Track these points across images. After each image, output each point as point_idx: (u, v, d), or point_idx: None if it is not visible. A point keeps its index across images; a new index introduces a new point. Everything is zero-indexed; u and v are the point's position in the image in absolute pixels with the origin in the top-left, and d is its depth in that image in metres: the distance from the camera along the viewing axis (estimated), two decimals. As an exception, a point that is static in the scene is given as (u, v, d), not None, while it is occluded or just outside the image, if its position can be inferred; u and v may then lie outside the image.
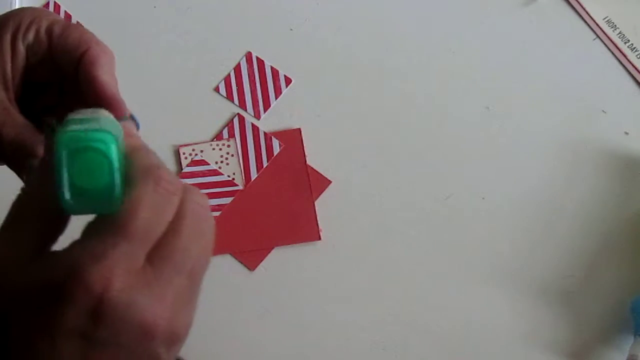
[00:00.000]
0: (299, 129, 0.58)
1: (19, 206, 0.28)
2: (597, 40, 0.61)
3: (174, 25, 0.62)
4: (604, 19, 0.61)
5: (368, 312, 0.53)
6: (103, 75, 0.38)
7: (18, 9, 0.39)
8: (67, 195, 0.27)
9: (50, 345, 0.26)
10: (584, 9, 0.61)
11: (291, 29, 0.62)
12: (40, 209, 0.28)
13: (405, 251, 0.55)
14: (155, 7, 0.63)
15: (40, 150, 0.37)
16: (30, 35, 0.38)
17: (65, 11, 0.63)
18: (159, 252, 0.27)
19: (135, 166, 0.28)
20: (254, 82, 0.60)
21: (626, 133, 0.58)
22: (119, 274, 0.25)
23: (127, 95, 0.61)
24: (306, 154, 0.57)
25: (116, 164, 0.28)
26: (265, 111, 0.59)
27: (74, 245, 0.27)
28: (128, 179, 0.28)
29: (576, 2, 0.62)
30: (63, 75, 0.39)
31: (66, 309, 0.25)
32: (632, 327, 0.51)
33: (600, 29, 0.61)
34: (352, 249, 0.55)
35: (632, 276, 0.54)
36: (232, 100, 0.59)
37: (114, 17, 0.63)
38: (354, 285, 0.54)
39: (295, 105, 0.59)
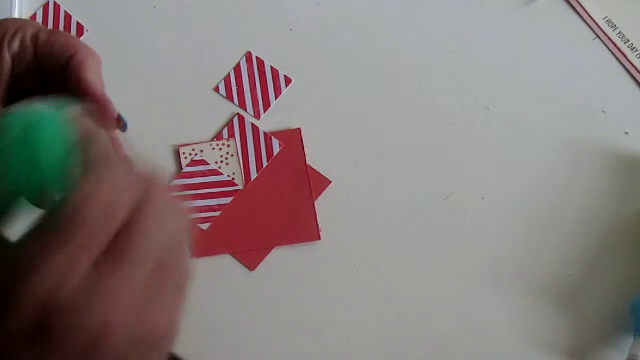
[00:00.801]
0: (299, 129, 0.58)
1: None
2: (597, 40, 0.61)
3: (174, 25, 0.62)
4: (604, 19, 0.61)
5: (368, 312, 0.53)
6: (91, 77, 0.38)
7: (2, 19, 0.39)
8: (11, 180, 0.25)
9: None
10: (584, 9, 0.61)
11: (291, 29, 0.62)
12: None
13: (405, 251, 0.55)
14: (155, 7, 0.63)
15: None
16: (16, 44, 0.37)
17: (66, 11, 0.63)
18: (114, 247, 0.25)
19: (86, 154, 0.26)
20: (254, 82, 0.60)
21: (626, 133, 0.58)
22: (65, 278, 0.23)
23: (127, 96, 0.62)
24: (306, 154, 0.57)
25: (63, 149, 0.25)
26: (265, 111, 0.59)
27: (16, 247, 0.24)
28: (83, 164, 0.25)
29: (576, 2, 0.62)
30: (48, 84, 0.39)
31: (8, 321, 0.23)
32: (632, 327, 0.51)
33: (600, 29, 0.61)
34: (352, 249, 0.55)
35: (632, 276, 0.54)
36: (232, 100, 0.59)
37: (114, 17, 0.63)
38: (354, 285, 0.54)
39: (295, 105, 0.59)
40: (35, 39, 0.38)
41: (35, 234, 0.25)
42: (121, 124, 0.40)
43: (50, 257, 0.23)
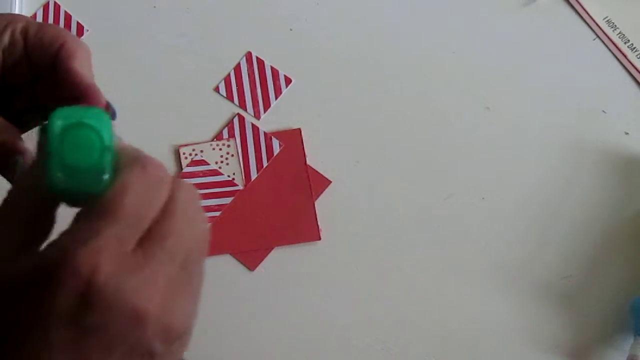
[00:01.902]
0: (299, 129, 0.58)
1: (8, 199, 0.28)
2: (597, 40, 0.61)
3: (174, 25, 0.62)
4: (604, 19, 0.61)
5: (368, 311, 0.53)
6: (79, 67, 0.38)
7: None
8: (57, 172, 0.27)
9: (41, 334, 0.25)
10: (584, 9, 0.61)
11: (291, 29, 0.62)
12: (29, 201, 0.28)
13: (405, 251, 0.55)
14: (155, 7, 0.63)
15: (23, 146, 0.37)
16: (6, 38, 0.38)
17: (66, 11, 0.63)
18: (149, 237, 0.27)
19: (124, 153, 0.28)
20: (254, 82, 0.60)
21: (626, 133, 0.58)
22: (107, 257, 0.25)
23: (127, 95, 0.62)
24: (306, 154, 0.57)
25: (107, 142, 0.28)
26: (265, 111, 0.59)
27: (63, 232, 0.27)
28: (117, 166, 0.28)
29: (576, 2, 0.62)
30: (37, 77, 0.39)
31: (55, 295, 0.25)
32: (632, 327, 0.51)
33: (600, 29, 0.61)
34: (352, 249, 0.55)
35: (632, 276, 0.54)
36: (232, 100, 0.59)
37: (114, 17, 0.63)
38: (354, 285, 0.54)
39: (295, 105, 0.59)
40: (24, 32, 0.38)
41: (80, 219, 0.27)
42: (110, 112, 0.40)
43: (92, 238, 0.25)
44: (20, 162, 0.36)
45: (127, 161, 0.28)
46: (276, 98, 0.59)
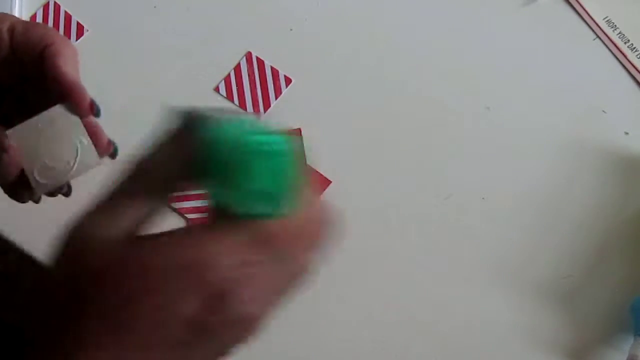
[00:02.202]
0: (299, 129, 0.58)
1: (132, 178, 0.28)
2: (597, 40, 0.61)
3: (174, 25, 0.62)
4: (604, 19, 0.61)
5: (368, 311, 0.53)
6: (65, 65, 0.38)
7: None
8: (236, 196, 0.26)
9: (161, 332, 0.25)
10: (584, 9, 0.61)
11: (291, 29, 0.62)
12: (155, 185, 0.28)
13: (405, 251, 0.55)
14: (155, 7, 0.63)
15: (6, 143, 0.37)
16: None
17: (66, 11, 0.63)
18: (279, 256, 0.27)
19: (300, 188, 0.28)
20: (254, 82, 0.60)
21: (626, 133, 0.58)
22: (247, 275, 0.25)
23: (127, 95, 0.62)
24: (306, 154, 0.57)
25: (293, 169, 0.27)
26: (265, 111, 0.59)
27: (204, 231, 0.26)
28: (288, 196, 0.27)
29: (576, 2, 0.62)
30: (25, 77, 0.39)
31: (188, 296, 0.25)
32: (632, 327, 0.51)
33: (600, 29, 0.61)
34: (352, 249, 0.55)
35: (632, 276, 0.54)
36: (232, 100, 0.59)
37: (114, 17, 0.63)
38: (354, 285, 0.54)
39: (295, 105, 0.59)
40: (11, 30, 0.38)
41: (228, 228, 0.27)
42: (94, 109, 0.40)
43: (243, 256, 0.26)
44: (2, 159, 0.36)
45: (301, 197, 0.28)
46: (276, 98, 0.59)
